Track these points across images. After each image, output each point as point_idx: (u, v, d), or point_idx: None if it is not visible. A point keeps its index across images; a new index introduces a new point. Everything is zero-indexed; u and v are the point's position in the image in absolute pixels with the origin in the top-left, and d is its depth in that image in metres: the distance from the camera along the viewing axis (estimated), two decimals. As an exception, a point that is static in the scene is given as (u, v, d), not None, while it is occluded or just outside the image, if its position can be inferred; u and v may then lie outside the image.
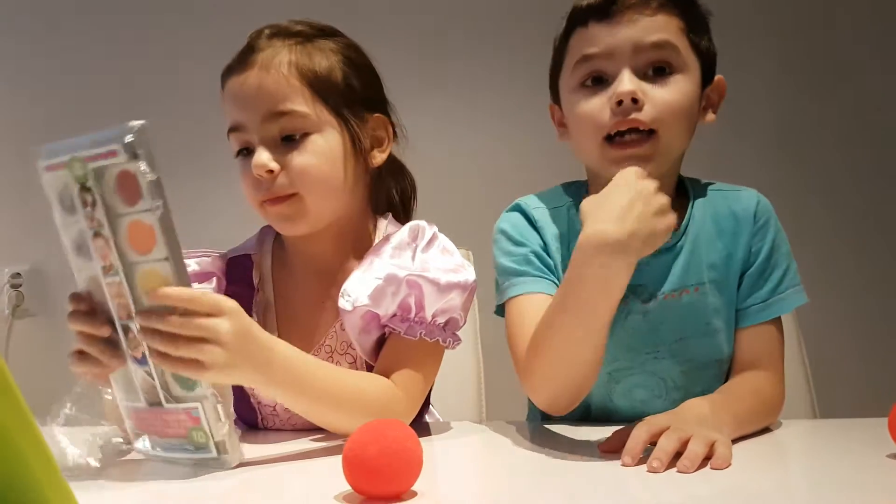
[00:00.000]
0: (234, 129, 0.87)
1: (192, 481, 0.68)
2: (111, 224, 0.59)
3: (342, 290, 0.85)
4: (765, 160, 1.94)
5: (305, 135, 0.85)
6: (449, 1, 2.02)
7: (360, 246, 0.93)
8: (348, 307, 0.83)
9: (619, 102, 0.81)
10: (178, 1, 2.06)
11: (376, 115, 0.92)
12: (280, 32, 0.88)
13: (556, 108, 0.96)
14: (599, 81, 0.85)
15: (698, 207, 0.94)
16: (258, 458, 0.75)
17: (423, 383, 0.86)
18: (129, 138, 0.54)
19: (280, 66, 0.85)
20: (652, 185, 0.74)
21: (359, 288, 0.84)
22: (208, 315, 0.64)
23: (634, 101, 0.81)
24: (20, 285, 2.05)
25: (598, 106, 0.84)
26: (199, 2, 2.06)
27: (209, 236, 1.08)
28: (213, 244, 1.00)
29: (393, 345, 0.87)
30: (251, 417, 0.95)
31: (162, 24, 2.07)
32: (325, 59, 0.88)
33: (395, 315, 0.85)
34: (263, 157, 0.84)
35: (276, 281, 0.94)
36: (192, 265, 0.90)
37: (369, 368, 0.88)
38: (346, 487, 0.60)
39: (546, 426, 0.90)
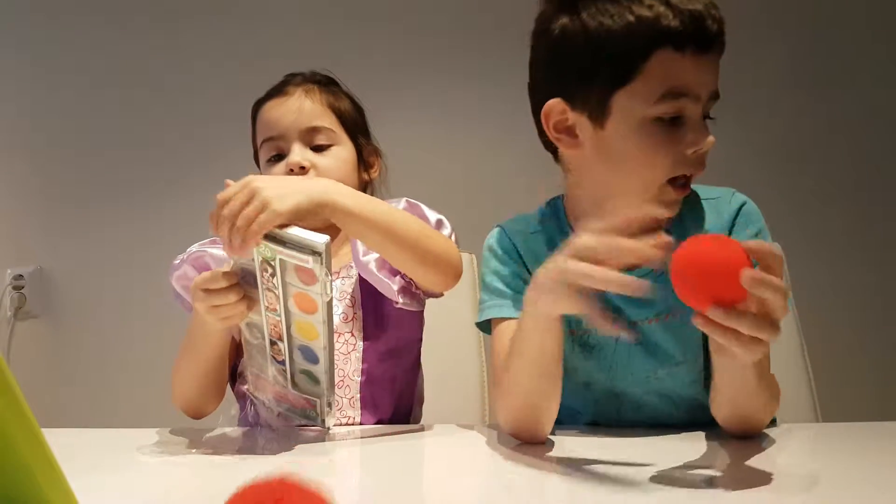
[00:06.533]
0: (270, 139, 1.09)
1: (194, 483, 0.68)
2: (283, 288, 0.79)
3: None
4: (769, 163, 1.93)
5: (331, 145, 1.09)
6: (452, 7, 2.03)
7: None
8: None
9: (696, 151, 0.81)
10: (184, 4, 2.07)
11: (370, 144, 1.17)
12: (309, 78, 1.14)
13: (564, 109, 0.84)
14: (676, 119, 0.80)
15: (676, 220, 0.89)
16: (257, 460, 0.75)
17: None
18: (319, 252, 0.74)
19: (315, 96, 1.11)
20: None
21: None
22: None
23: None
24: (23, 287, 2.05)
25: (675, 147, 0.80)
26: (207, 5, 2.07)
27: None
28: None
29: None
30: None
31: (167, 25, 2.08)
32: (342, 99, 1.14)
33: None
34: (298, 156, 1.06)
35: None
36: (214, 251, 1.04)
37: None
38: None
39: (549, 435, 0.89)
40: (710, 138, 0.80)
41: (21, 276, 2.05)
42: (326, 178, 1.03)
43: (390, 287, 0.98)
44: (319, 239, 0.74)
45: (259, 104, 1.13)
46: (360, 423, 1.00)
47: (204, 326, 0.91)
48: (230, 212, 0.78)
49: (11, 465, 0.37)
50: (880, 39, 1.97)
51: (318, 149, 1.08)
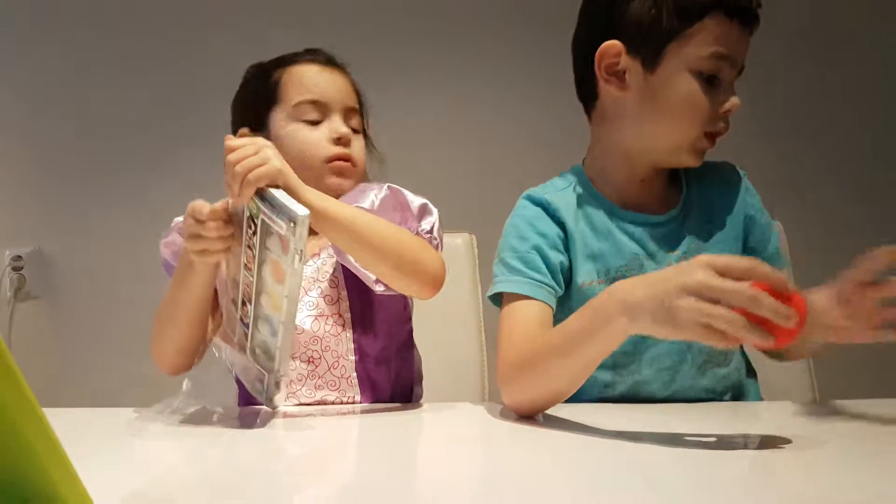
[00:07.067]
0: (316, 101, 1.07)
1: (196, 462, 0.68)
2: (261, 248, 0.80)
3: None
4: (774, 143, 1.93)
5: (359, 131, 1.12)
6: (453, 5, 2.01)
7: None
8: None
9: (727, 111, 0.90)
10: (184, 4, 2.06)
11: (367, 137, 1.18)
12: (334, 58, 1.14)
13: (620, 52, 0.90)
14: (713, 78, 0.89)
15: (691, 179, 1.00)
16: (254, 435, 0.76)
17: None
18: (295, 224, 0.74)
19: (349, 81, 1.13)
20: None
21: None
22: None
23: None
24: (22, 268, 2.05)
25: (712, 104, 0.89)
26: (207, 6, 2.05)
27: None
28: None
29: None
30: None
31: (168, 24, 2.06)
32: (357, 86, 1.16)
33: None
34: (346, 129, 1.08)
35: None
36: None
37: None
38: (328, 469, 0.60)
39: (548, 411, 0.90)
40: (736, 99, 0.89)
41: (20, 256, 2.05)
42: (358, 158, 1.09)
43: (367, 275, 0.97)
44: (301, 210, 0.75)
45: (291, 61, 1.11)
46: (360, 402, 1.00)
47: (188, 271, 0.91)
48: (236, 157, 0.82)
49: (13, 445, 0.37)
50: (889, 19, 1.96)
51: (352, 131, 1.09)
